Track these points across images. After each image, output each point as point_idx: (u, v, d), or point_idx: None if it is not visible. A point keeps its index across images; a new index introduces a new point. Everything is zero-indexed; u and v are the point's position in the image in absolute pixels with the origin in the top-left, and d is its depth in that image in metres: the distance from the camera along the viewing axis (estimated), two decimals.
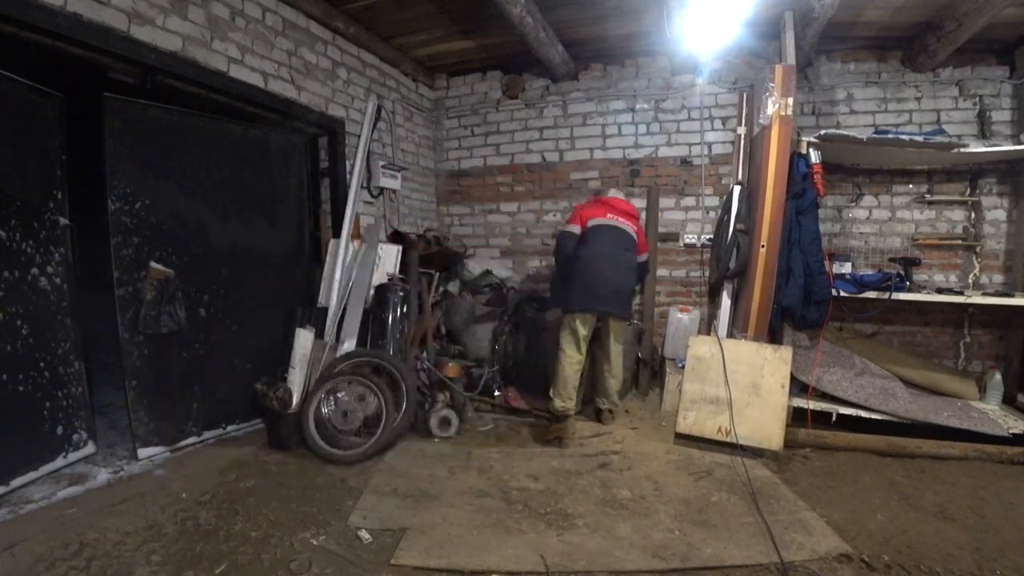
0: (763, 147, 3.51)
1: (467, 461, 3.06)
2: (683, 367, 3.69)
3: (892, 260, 3.91)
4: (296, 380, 3.12)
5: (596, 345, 3.67)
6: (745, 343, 3.51)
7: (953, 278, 4.09)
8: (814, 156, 3.58)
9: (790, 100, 3.43)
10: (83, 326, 2.84)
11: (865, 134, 3.54)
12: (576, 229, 3.54)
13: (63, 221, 2.72)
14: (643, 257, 3.72)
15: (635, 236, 3.59)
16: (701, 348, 3.55)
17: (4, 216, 2.43)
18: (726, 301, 4.03)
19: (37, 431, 2.58)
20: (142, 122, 2.88)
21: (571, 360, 3.46)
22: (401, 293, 3.60)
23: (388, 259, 3.86)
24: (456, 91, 5.17)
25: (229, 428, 3.35)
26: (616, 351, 3.63)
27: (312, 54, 3.71)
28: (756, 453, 3.14)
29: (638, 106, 4.63)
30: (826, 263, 3.62)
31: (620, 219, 3.56)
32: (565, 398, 3.44)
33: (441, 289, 4.49)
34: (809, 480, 2.86)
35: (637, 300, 4.51)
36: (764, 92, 3.51)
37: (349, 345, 3.41)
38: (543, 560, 2.08)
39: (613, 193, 3.73)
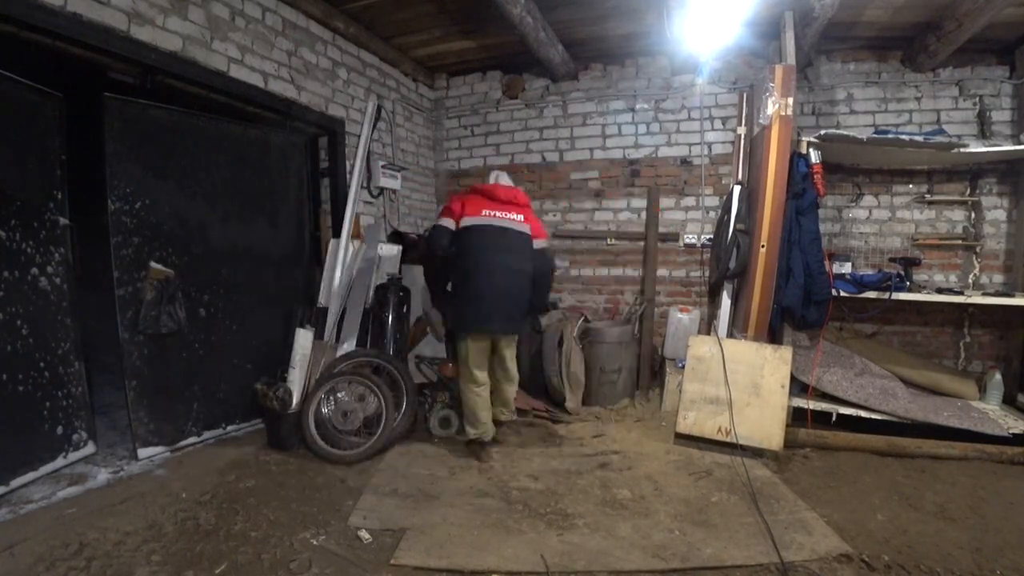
0: (763, 147, 3.51)
1: (467, 461, 3.06)
2: (683, 367, 3.69)
3: (892, 260, 3.91)
4: (296, 380, 3.12)
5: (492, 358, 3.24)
6: (745, 343, 3.51)
7: (953, 278, 4.09)
8: (814, 156, 3.58)
9: (790, 100, 3.43)
10: (83, 326, 2.84)
11: (865, 134, 3.54)
12: (448, 224, 3.05)
13: (63, 221, 2.72)
14: (540, 243, 3.17)
15: (526, 229, 3.12)
16: (701, 348, 3.55)
17: (4, 216, 2.43)
18: (726, 301, 4.02)
19: (37, 431, 2.58)
20: (142, 122, 2.88)
21: (478, 388, 3.09)
22: (401, 293, 3.60)
23: (388, 259, 3.86)
24: (456, 91, 5.17)
25: (229, 428, 3.35)
26: (512, 368, 3.24)
27: (312, 54, 3.71)
28: (756, 453, 3.14)
29: (638, 106, 4.63)
30: (826, 263, 3.62)
31: (509, 213, 3.10)
32: (474, 424, 3.11)
33: None
34: (809, 480, 2.86)
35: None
36: (764, 92, 3.51)
37: (349, 345, 3.41)
38: (543, 560, 2.08)
39: (495, 178, 3.23)
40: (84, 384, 2.83)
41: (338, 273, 3.60)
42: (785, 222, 3.52)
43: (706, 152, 4.49)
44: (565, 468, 2.98)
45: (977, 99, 3.97)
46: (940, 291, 3.61)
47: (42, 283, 2.61)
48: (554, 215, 4.94)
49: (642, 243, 4.60)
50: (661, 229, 4.55)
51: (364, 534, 2.25)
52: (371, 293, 3.61)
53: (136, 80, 2.80)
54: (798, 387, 3.62)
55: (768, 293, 3.58)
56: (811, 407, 3.54)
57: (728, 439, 3.21)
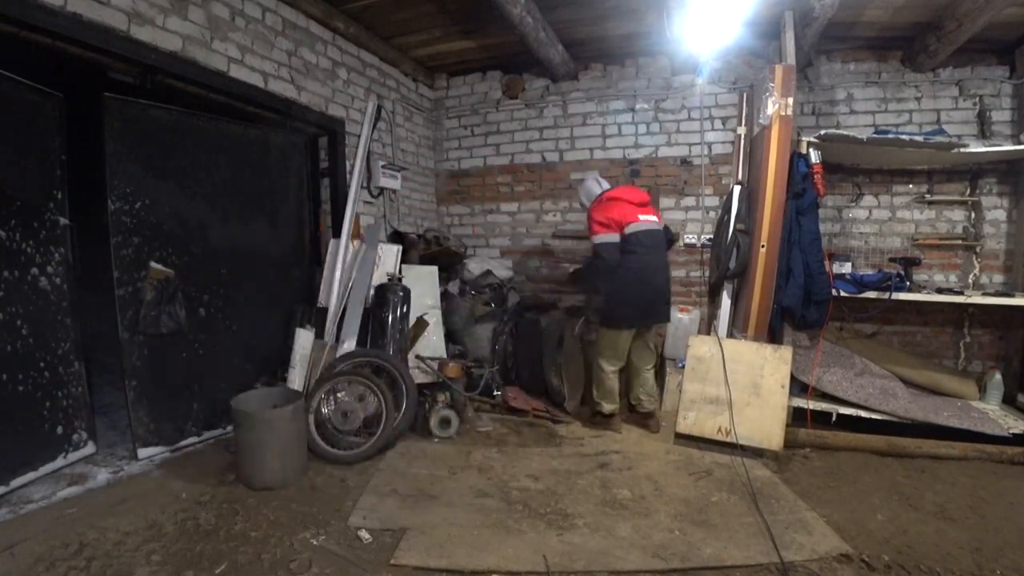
0: (763, 147, 3.52)
1: (467, 461, 3.06)
2: (683, 367, 3.69)
3: (892, 260, 3.91)
4: (296, 380, 3.12)
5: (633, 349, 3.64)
6: (745, 343, 3.51)
7: (953, 278, 4.09)
8: (814, 156, 3.58)
9: (790, 100, 3.43)
10: (83, 326, 2.84)
11: (865, 134, 3.54)
12: (616, 238, 3.38)
13: (63, 221, 2.72)
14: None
15: (660, 227, 3.57)
16: (701, 348, 3.55)
17: (4, 216, 2.43)
18: (726, 301, 4.03)
19: (37, 431, 2.58)
20: (142, 122, 2.88)
21: (613, 374, 3.55)
22: (401, 293, 3.60)
23: (388, 259, 3.86)
24: (456, 91, 5.17)
25: (229, 428, 3.33)
26: (652, 354, 3.70)
27: (312, 54, 3.71)
28: (756, 453, 3.14)
29: (638, 106, 4.63)
30: (826, 263, 3.62)
31: (649, 215, 3.50)
32: (612, 401, 3.59)
33: (441, 289, 4.49)
34: (809, 480, 2.86)
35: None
36: (764, 92, 3.51)
37: (349, 345, 3.41)
38: (545, 560, 2.08)
39: (597, 181, 3.67)
40: (84, 384, 2.83)
41: (338, 273, 3.60)
42: (785, 222, 3.52)
43: (706, 152, 4.49)
44: (565, 468, 2.98)
45: (977, 99, 3.97)
46: (940, 291, 3.61)
47: (42, 283, 2.61)
48: (554, 215, 4.94)
49: None
50: None
51: (364, 534, 2.25)
52: (371, 293, 3.61)
53: (136, 80, 2.80)
54: (798, 387, 3.62)
55: (768, 293, 3.58)
56: (811, 407, 3.54)
57: (728, 439, 3.21)
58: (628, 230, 3.37)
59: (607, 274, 3.40)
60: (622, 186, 3.68)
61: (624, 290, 3.37)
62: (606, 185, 3.62)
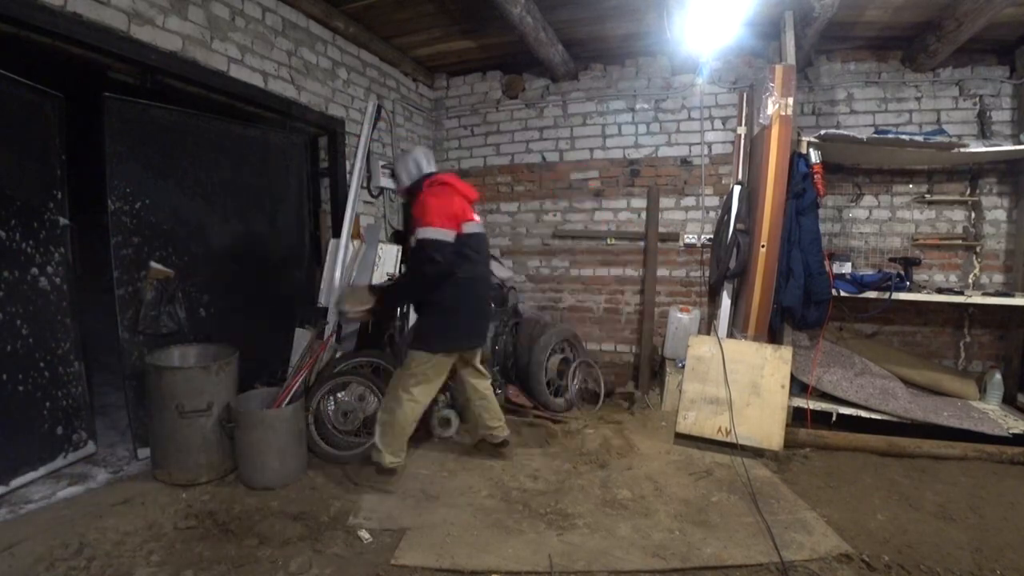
0: (763, 147, 3.52)
1: (467, 461, 3.06)
2: (683, 367, 3.69)
3: (892, 260, 3.91)
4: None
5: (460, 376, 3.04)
6: (745, 343, 3.51)
7: (953, 278, 4.08)
8: (814, 156, 3.58)
9: (790, 100, 3.43)
10: (83, 326, 2.85)
11: (865, 134, 3.54)
12: (451, 236, 2.59)
13: (63, 221, 2.72)
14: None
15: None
16: (701, 348, 3.55)
17: (4, 216, 2.43)
18: (726, 301, 4.03)
19: (37, 431, 2.58)
20: (142, 122, 2.88)
21: (417, 407, 2.75)
22: None
23: (388, 259, 3.85)
24: (456, 91, 5.17)
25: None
26: (485, 374, 3.06)
27: (312, 54, 3.71)
28: (756, 453, 3.14)
29: (638, 106, 4.63)
30: (826, 263, 3.62)
31: (476, 215, 2.83)
32: (398, 451, 2.76)
33: None
34: (809, 480, 2.86)
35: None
36: (764, 92, 3.51)
37: (349, 345, 3.40)
38: (550, 559, 2.08)
39: (428, 159, 2.83)
40: (84, 384, 2.84)
41: (338, 273, 3.59)
42: (785, 222, 3.52)
43: (706, 152, 4.49)
44: (565, 468, 2.98)
45: (977, 99, 3.96)
46: (940, 291, 3.61)
47: (42, 283, 2.61)
48: (554, 215, 4.94)
49: (642, 243, 4.59)
50: (661, 229, 4.55)
51: (364, 534, 2.25)
52: None
53: (136, 80, 2.80)
54: (798, 387, 3.62)
55: (768, 293, 3.58)
56: (811, 407, 3.54)
57: (728, 439, 3.21)
58: (466, 230, 2.69)
59: (436, 281, 2.60)
60: (450, 172, 2.95)
61: (456, 307, 2.69)
62: (434, 166, 2.86)
